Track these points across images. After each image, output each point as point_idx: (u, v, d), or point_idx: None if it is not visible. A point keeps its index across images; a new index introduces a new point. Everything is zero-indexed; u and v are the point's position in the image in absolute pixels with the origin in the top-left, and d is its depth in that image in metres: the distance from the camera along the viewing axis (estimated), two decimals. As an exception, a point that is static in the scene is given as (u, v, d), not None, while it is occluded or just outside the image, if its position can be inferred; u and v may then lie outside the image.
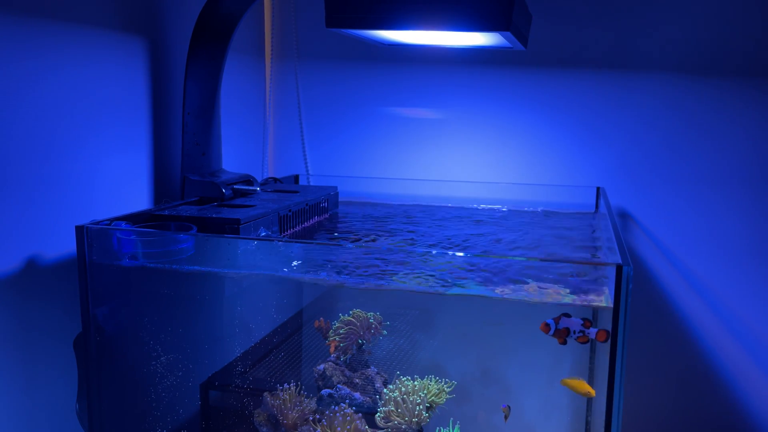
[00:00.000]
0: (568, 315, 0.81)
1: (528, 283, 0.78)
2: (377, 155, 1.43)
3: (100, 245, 0.81)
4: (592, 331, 0.81)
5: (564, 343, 0.83)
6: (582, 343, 0.82)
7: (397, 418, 0.90)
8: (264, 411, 0.94)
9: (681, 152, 1.29)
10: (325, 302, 1.21)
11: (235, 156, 1.31)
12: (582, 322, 0.81)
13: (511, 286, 0.78)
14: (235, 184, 1.04)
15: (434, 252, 0.87)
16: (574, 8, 1.29)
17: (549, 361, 1.09)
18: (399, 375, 0.99)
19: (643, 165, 1.31)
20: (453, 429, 0.93)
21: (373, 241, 1.02)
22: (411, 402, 0.91)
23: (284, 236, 0.99)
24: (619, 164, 1.32)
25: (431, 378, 0.98)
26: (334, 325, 1.04)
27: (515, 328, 1.05)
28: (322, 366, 1.01)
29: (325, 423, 0.89)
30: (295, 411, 0.92)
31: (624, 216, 1.33)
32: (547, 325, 0.82)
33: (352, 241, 1.01)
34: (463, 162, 1.38)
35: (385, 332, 1.05)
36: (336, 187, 1.25)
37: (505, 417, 0.95)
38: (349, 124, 1.43)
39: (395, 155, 1.42)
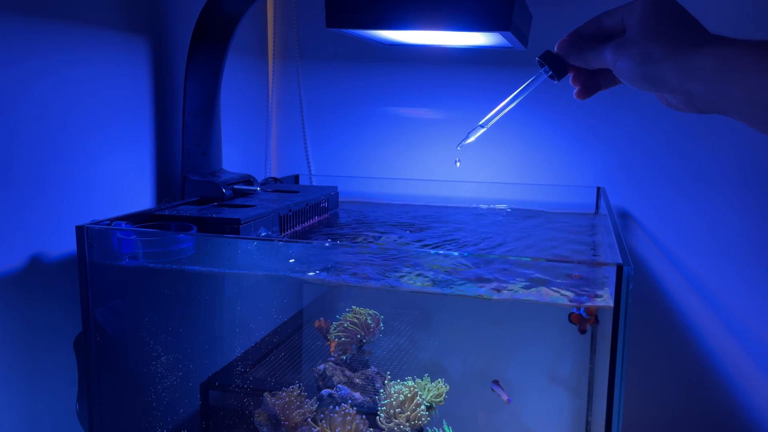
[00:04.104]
0: (578, 307, 0.84)
1: (529, 284, 0.78)
2: (379, 155, 1.43)
3: (101, 245, 0.81)
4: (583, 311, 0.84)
5: (585, 331, 0.86)
6: (592, 325, 0.85)
7: (398, 419, 0.90)
8: (264, 411, 0.94)
9: (681, 152, 1.29)
10: (325, 302, 1.21)
11: (238, 156, 1.31)
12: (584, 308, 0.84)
13: (511, 286, 0.78)
14: (236, 184, 1.04)
15: (434, 252, 0.87)
16: (575, 8, 1.29)
17: (549, 361, 1.09)
18: (390, 376, 0.99)
19: (643, 165, 1.31)
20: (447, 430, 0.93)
21: (374, 240, 1.02)
22: (411, 402, 0.91)
23: (284, 236, 0.99)
24: (619, 164, 1.32)
25: (429, 379, 0.98)
26: (334, 324, 1.04)
27: (515, 328, 1.05)
28: (322, 366, 1.01)
29: (325, 423, 0.89)
30: (296, 411, 0.92)
31: (624, 216, 1.33)
32: (579, 315, 0.84)
33: (353, 241, 1.01)
34: (464, 162, 1.38)
35: (382, 326, 1.05)
36: (336, 187, 1.25)
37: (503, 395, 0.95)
38: (351, 123, 1.43)
39: (397, 155, 1.42)
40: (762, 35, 0.57)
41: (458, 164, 0.78)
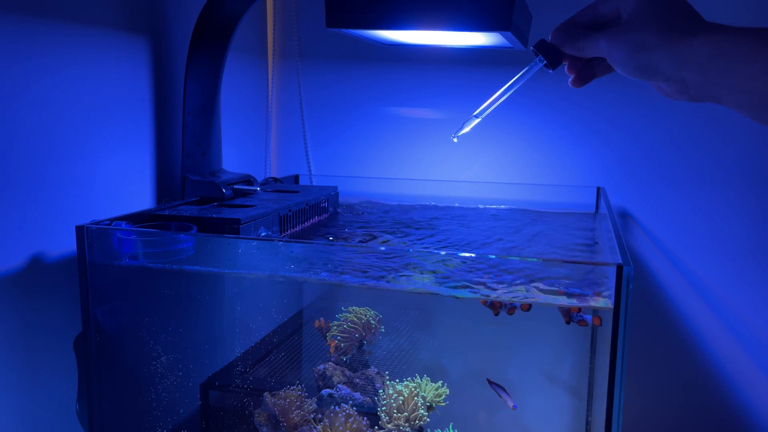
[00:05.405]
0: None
1: (528, 283, 0.78)
2: (379, 155, 1.43)
3: (100, 245, 0.81)
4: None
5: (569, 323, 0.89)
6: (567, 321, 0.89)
7: (398, 420, 0.90)
8: (264, 411, 0.94)
9: (681, 152, 1.29)
10: (325, 302, 1.21)
11: (238, 156, 1.31)
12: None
13: (511, 286, 0.78)
14: (236, 184, 1.04)
15: (434, 252, 0.87)
16: (575, 8, 1.29)
17: (549, 361, 1.09)
18: (389, 377, 0.99)
19: (643, 165, 1.31)
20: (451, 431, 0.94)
21: (374, 240, 1.02)
22: (411, 403, 0.91)
23: (284, 236, 0.99)
24: (619, 164, 1.32)
25: (429, 379, 0.98)
26: (334, 324, 1.04)
27: (515, 328, 1.05)
28: (322, 366, 1.01)
29: (327, 423, 0.89)
30: (296, 411, 0.92)
31: (624, 216, 1.33)
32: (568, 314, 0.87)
33: (352, 241, 1.01)
34: (464, 162, 1.38)
35: (382, 329, 1.05)
36: (336, 187, 1.25)
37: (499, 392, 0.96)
38: (351, 124, 1.43)
39: (397, 155, 1.42)
40: (759, 23, 0.57)
41: (455, 140, 0.78)
